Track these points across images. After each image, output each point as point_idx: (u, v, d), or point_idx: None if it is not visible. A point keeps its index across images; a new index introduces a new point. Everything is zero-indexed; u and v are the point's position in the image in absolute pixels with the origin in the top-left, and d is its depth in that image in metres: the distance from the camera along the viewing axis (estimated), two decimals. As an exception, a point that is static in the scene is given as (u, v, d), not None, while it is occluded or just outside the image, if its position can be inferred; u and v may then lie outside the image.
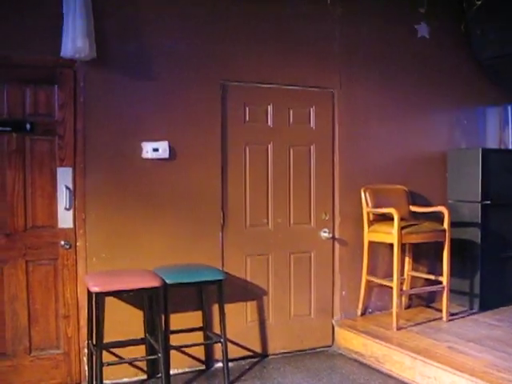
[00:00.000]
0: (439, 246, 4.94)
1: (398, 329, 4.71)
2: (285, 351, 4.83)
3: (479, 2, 5.18)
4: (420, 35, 5.25)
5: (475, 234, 5.31)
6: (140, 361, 4.24)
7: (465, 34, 5.60)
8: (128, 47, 4.18)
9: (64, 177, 4.05)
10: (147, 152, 4.23)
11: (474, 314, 5.22)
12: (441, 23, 5.46)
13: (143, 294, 4.15)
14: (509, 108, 6.26)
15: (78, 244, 4.10)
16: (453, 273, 5.04)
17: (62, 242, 4.06)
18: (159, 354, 3.89)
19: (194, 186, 4.41)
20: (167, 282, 3.94)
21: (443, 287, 4.93)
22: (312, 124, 4.91)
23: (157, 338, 3.96)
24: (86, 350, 4.10)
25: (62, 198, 4.05)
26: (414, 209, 5.19)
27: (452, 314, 5.06)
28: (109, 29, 4.08)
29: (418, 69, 5.42)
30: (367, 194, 5.01)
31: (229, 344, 4.31)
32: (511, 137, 6.23)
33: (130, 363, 4.22)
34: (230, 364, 4.34)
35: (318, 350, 4.96)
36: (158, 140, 4.27)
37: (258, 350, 4.74)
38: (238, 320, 4.61)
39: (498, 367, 3.83)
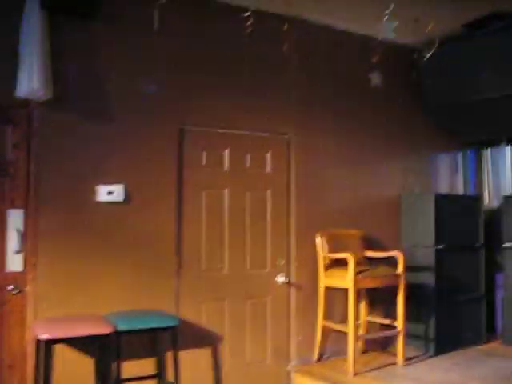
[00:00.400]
0: (394, 291, 4.97)
1: (355, 374, 4.68)
2: (240, 399, 4.74)
3: (429, 54, 5.36)
4: (373, 84, 5.39)
5: (429, 278, 5.38)
6: (90, 412, 4.08)
7: (417, 83, 5.79)
8: (85, 89, 4.15)
9: (15, 219, 3.94)
10: (102, 195, 4.17)
11: (429, 357, 5.25)
12: (393, 72, 5.64)
13: (94, 342, 4.01)
14: (459, 155, 6.46)
15: (27, 289, 3.96)
16: (408, 317, 5.07)
17: (10, 287, 3.91)
18: (110, 404, 3.77)
19: (149, 230, 4.35)
20: (119, 328, 3.82)
21: (398, 332, 4.94)
22: (268, 169, 4.95)
23: (108, 387, 3.83)
24: (32, 402, 3.92)
25: (12, 241, 3.93)
26: (369, 253, 5.23)
27: (408, 359, 5.07)
28: (66, 70, 4.05)
29: (372, 116, 5.57)
30: (323, 239, 5.03)
31: (183, 392, 4.21)
32: (462, 182, 6.41)
33: (80, 415, 4.05)
34: (184, 413, 4.22)
35: (274, 397, 4.88)
36: (113, 183, 4.22)
37: (213, 397, 4.64)
38: (193, 367, 4.49)
39: (453, 412, 3.84)
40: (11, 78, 3.76)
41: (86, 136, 4.15)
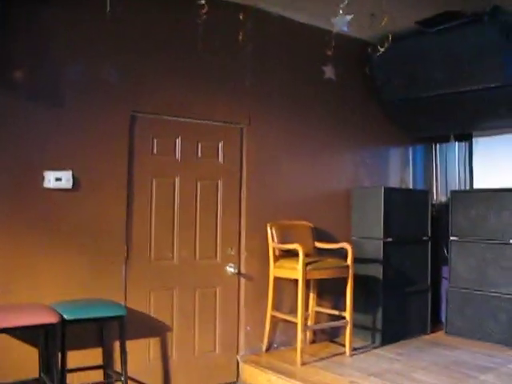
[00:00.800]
0: (343, 282, 5.03)
1: (303, 364, 4.72)
2: (188, 389, 4.73)
3: (382, 49, 5.42)
4: (326, 76, 5.42)
5: (377, 270, 5.47)
6: (33, 402, 4.00)
7: (370, 78, 5.85)
8: (34, 72, 4.03)
9: (-44, 205, 3.82)
10: (49, 181, 4.06)
11: (376, 348, 5.34)
12: (347, 66, 5.69)
13: (39, 331, 3.94)
14: (409, 149, 6.58)
15: (-32, 277, 3.86)
16: (356, 308, 5.15)
17: (-49, 275, 3.80)
18: (54, 395, 3.70)
19: (98, 218, 4.27)
20: (65, 317, 3.75)
21: (346, 322, 5.02)
22: (220, 159, 4.93)
23: (52, 378, 3.74)
24: (-28, 393, 3.83)
25: (-47, 228, 3.81)
26: (318, 245, 5.28)
27: (355, 349, 5.16)
28: (14, 52, 3.93)
29: (325, 108, 5.61)
30: (273, 230, 5.05)
31: (130, 382, 4.16)
32: (411, 176, 6.54)
33: (22, 405, 3.97)
34: (131, 403, 4.19)
35: (223, 386, 4.90)
36: (62, 169, 4.12)
37: (161, 388, 4.61)
38: (141, 357, 4.46)
39: (396, 401, 3.93)
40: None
41: (33, 120, 4.03)
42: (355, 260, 5.06)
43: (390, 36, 5.24)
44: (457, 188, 6.53)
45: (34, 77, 4.04)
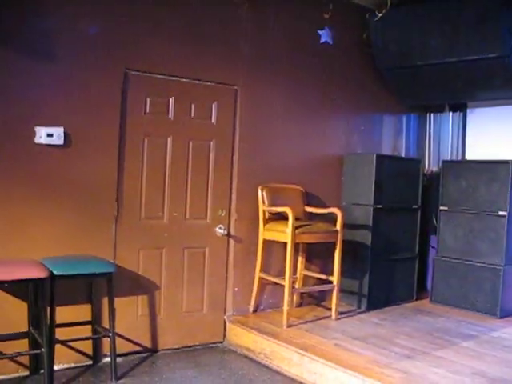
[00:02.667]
0: (332, 247, 5.07)
1: (288, 326, 4.79)
2: (175, 347, 4.79)
3: (380, 14, 5.36)
4: (323, 40, 5.37)
5: (366, 237, 5.51)
6: (22, 355, 4.02)
7: (366, 43, 5.80)
8: (27, 26, 3.96)
9: None
10: (41, 137, 4.04)
11: (361, 313, 5.42)
12: (344, 30, 5.62)
13: (28, 285, 3.97)
14: (403, 118, 6.57)
15: (-42, 230, 3.86)
16: (343, 273, 5.21)
17: None
18: (43, 349, 3.74)
19: (89, 175, 4.27)
20: (55, 273, 3.79)
21: (333, 286, 5.08)
22: (213, 120, 4.90)
23: (41, 332, 3.80)
24: (-38, 344, 3.87)
25: None
26: (309, 209, 5.31)
27: (341, 313, 5.23)
28: (7, 5, 3.85)
29: (320, 72, 5.57)
30: (264, 193, 5.06)
31: (118, 339, 4.23)
32: (404, 145, 6.54)
33: (11, 358, 4.00)
34: (119, 359, 4.25)
35: (210, 345, 4.96)
36: (54, 125, 4.10)
37: (148, 345, 4.66)
38: (128, 314, 4.51)
39: (378, 363, 3.99)
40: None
41: (25, 75, 3.99)
42: (345, 225, 5.10)
43: (389, 1, 5.21)
44: (449, 158, 6.54)
45: (27, 31, 3.97)
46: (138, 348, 4.61)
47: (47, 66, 4.08)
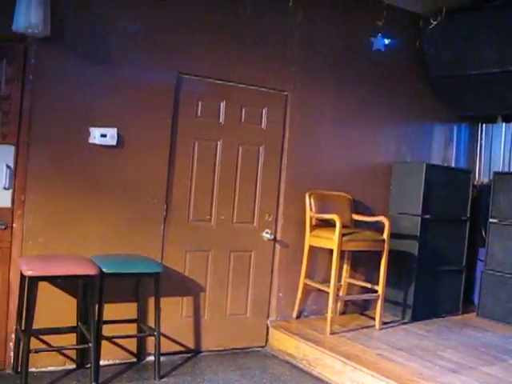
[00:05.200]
0: (377, 256, 5.03)
1: (332, 333, 4.77)
2: (218, 349, 4.82)
3: (435, 22, 5.30)
4: (375, 48, 5.33)
5: (413, 247, 5.44)
6: (70, 349, 4.15)
7: (419, 51, 5.74)
8: (83, 28, 4.08)
9: (5, 155, 3.92)
10: (94, 137, 4.14)
11: (405, 323, 5.35)
12: (397, 38, 5.56)
13: (78, 282, 4.07)
14: (454, 127, 6.46)
15: (14, 225, 3.97)
16: (388, 283, 5.15)
17: (-2, 222, 3.94)
18: (90, 344, 3.82)
19: (140, 176, 4.35)
20: (104, 270, 3.88)
21: (378, 296, 5.03)
22: (263, 125, 4.93)
23: (89, 327, 3.89)
24: (13, 336, 3.98)
25: (2, 177, 3.91)
26: (356, 217, 5.27)
27: (385, 323, 5.17)
28: (65, 7, 3.98)
29: (372, 80, 5.53)
30: (312, 199, 5.06)
31: (162, 338, 4.28)
32: (454, 155, 6.43)
33: (59, 351, 4.12)
34: (162, 358, 4.29)
35: (252, 349, 4.97)
36: (107, 126, 4.19)
37: (191, 345, 4.71)
38: (173, 314, 4.57)
39: (423, 376, 3.94)
40: (9, 12, 3.69)
41: (82, 76, 4.11)
42: (391, 235, 5.04)
43: (444, 9, 5.13)
44: (500, 170, 6.40)
45: (83, 33, 4.09)
46: (181, 348, 4.66)
47: (102, 67, 4.18)
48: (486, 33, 5.23)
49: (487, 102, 5.94)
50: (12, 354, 3.99)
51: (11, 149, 3.94)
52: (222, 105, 4.71)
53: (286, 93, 5.03)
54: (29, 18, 3.63)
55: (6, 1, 3.70)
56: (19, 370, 3.91)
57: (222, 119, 4.72)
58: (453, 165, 6.39)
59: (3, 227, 3.94)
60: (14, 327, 3.96)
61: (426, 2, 5.27)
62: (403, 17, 5.62)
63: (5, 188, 3.93)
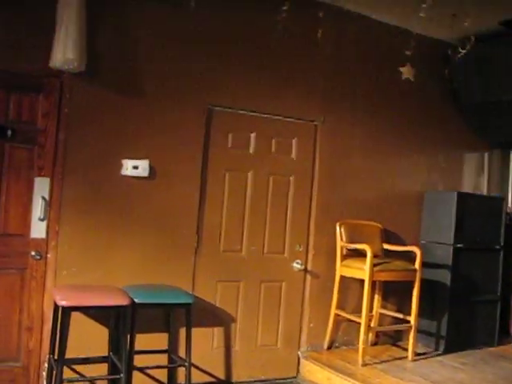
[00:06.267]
0: (409, 286, 4.97)
1: (364, 365, 4.71)
2: (249, 380, 4.79)
3: (464, 50, 5.29)
4: (404, 77, 5.34)
5: (445, 276, 5.36)
6: (101, 379, 4.16)
7: (449, 80, 5.73)
8: (118, 63, 4.19)
9: (41, 186, 4.00)
10: (127, 169, 4.21)
11: (439, 355, 5.25)
12: (426, 67, 5.58)
13: (110, 312, 4.09)
14: (486, 155, 6.39)
15: (48, 255, 4.04)
16: (421, 313, 5.07)
17: (33, 253, 3.99)
18: (121, 374, 3.82)
19: (171, 207, 4.39)
20: (136, 301, 3.90)
21: (410, 326, 4.95)
22: (293, 155, 4.96)
23: (120, 358, 3.89)
24: (46, 365, 4.01)
25: (37, 208, 3.99)
26: (387, 246, 5.23)
27: (417, 354, 5.08)
28: (100, 43, 4.09)
29: (401, 109, 5.53)
30: (342, 229, 5.04)
31: (193, 369, 4.26)
32: (486, 183, 6.35)
33: (91, 382, 4.14)
34: (193, 389, 4.29)
35: (283, 380, 4.92)
36: (139, 158, 4.26)
37: (222, 376, 4.69)
38: (204, 345, 4.56)
39: (459, 411, 3.85)
40: (47, 48, 3.81)
41: (115, 109, 4.19)
42: (423, 264, 4.98)
43: (472, 37, 5.13)
44: (534, 197, 6.30)
45: (117, 68, 4.20)
46: (211, 379, 4.64)
47: (134, 101, 4.26)
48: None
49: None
50: (45, 382, 4.02)
51: (47, 181, 4.02)
52: (253, 136, 4.76)
53: (315, 123, 5.05)
54: (66, 54, 3.74)
55: (43, 37, 3.83)
56: (52, 399, 3.95)
57: (252, 150, 4.76)
58: (485, 192, 6.31)
59: (38, 258, 4.01)
60: (47, 356, 4.00)
61: (455, 30, 5.27)
62: (431, 45, 5.65)
63: (40, 219, 4.00)
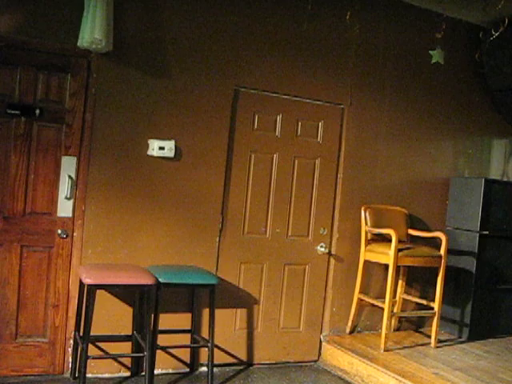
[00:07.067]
0: (433, 272, 4.93)
1: (386, 350, 4.69)
2: (270, 362, 4.82)
3: (496, 33, 5.18)
4: (434, 60, 5.24)
5: (471, 264, 5.30)
6: (125, 357, 4.23)
7: (479, 64, 5.62)
8: (144, 43, 4.18)
9: (68, 166, 4.05)
10: (153, 149, 4.23)
11: (462, 342, 5.21)
12: (456, 50, 5.48)
13: (135, 291, 4.14)
14: (514, 141, 6.28)
15: (75, 234, 4.09)
16: (445, 300, 5.04)
17: (59, 231, 4.05)
18: (145, 353, 3.87)
19: (196, 188, 4.40)
20: (160, 280, 3.93)
21: (434, 313, 4.92)
22: (319, 138, 4.92)
23: (144, 337, 3.95)
24: (71, 341, 4.08)
25: (64, 187, 4.04)
26: (412, 232, 5.18)
27: (440, 341, 5.06)
28: (127, 23, 4.10)
29: (429, 93, 5.45)
30: (367, 213, 5.01)
31: (215, 349, 4.30)
32: (514, 170, 6.26)
33: (115, 359, 4.20)
34: (215, 369, 4.31)
35: (304, 363, 4.94)
36: (165, 138, 4.27)
37: (244, 358, 4.72)
38: (227, 326, 4.60)
39: (482, 398, 3.83)
40: (74, 28, 3.83)
41: (142, 90, 4.20)
42: (448, 251, 4.94)
43: (506, 20, 5.01)
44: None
45: (144, 47, 4.19)
46: (233, 360, 4.68)
47: (161, 81, 4.26)
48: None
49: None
50: (70, 359, 4.09)
51: (73, 160, 4.06)
52: (279, 118, 4.73)
53: (342, 106, 5.00)
54: (93, 34, 3.75)
55: (71, 17, 3.85)
56: (77, 375, 4.02)
57: (278, 132, 4.74)
58: (513, 179, 6.22)
59: (64, 236, 4.06)
60: (73, 333, 4.06)
61: (487, 13, 5.15)
62: (463, 28, 5.54)
63: (66, 198, 4.05)
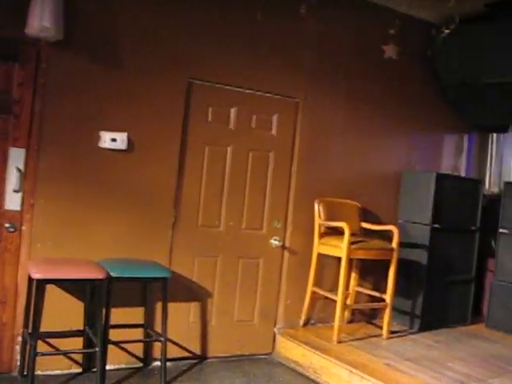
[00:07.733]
0: (386, 264, 4.99)
1: (339, 342, 4.74)
2: (224, 355, 4.81)
3: (447, 31, 5.28)
4: (387, 56, 5.32)
5: (422, 256, 5.40)
6: (76, 353, 4.14)
7: (431, 60, 5.72)
8: (96, 32, 4.09)
9: (16, 158, 3.93)
10: (105, 141, 4.15)
11: (413, 333, 5.31)
12: (408, 46, 5.56)
13: (86, 285, 4.07)
14: (465, 137, 6.42)
15: (23, 228, 3.98)
16: (397, 292, 5.10)
17: (7, 225, 3.93)
18: (97, 348, 3.81)
19: (149, 181, 4.35)
20: (111, 274, 3.87)
21: (386, 305, 4.99)
22: (273, 131, 4.92)
23: (96, 332, 3.88)
24: (20, 339, 3.98)
25: (12, 180, 3.92)
26: (364, 225, 5.25)
27: (392, 332, 5.13)
28: (78, 12, 3.99)
29: (382, 89, 5.51)
30: (320, 206, 5.04)
31: (168, 343, 4.26)
32: (464, 165, 6.39)
33: (65, 355, 4.12)
34: (168, 364, 4.27)
35: (258, 356, 4.95)
36: (117, 130, 4.20)
37: (198, 351, 4.70)
38: (180, 320, 4.56)
39: (431, 387, 3.91)
40: (22, 16, 3.70)
41: (93, 80, 4.11)
42: (400, 244, 5.01)
43: (457, 18, 5.12)
44: (511, 180, 6.35)
45: (95, 37, 4.10)
46: (187, 354, 4.65)
47: (113, 72, 4.18)
48: (500, 41, 5.17)
49: (499, 111, 5.90)
50: (18, 356, 3.99)
51: (22, 152, 3.95)
52: (233, 111, 4.71)
53: (296, 100, 5.01)
54: (42, 22, 3.64)
55: (19, 4, 3.72)
56: (25, 372, 3.92)
57: (232, 125, 4.72)
58: (463, 174, 6.35)
59: (12, 230, 3.95)
60: (21, 330, 3.96)
61: (439, 10, 5.25)
62: (415, 25, 5.62)
63: (15, 191, 3.93)
